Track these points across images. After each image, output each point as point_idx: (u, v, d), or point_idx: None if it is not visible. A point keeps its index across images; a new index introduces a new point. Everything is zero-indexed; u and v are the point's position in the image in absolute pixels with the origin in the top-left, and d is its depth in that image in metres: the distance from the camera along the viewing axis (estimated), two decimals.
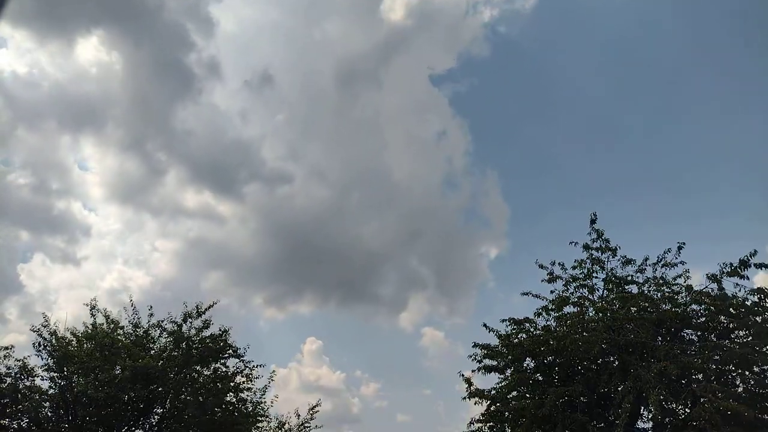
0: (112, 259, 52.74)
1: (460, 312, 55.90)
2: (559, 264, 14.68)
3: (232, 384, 17.62)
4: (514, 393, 14.09)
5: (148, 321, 17.45)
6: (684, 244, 13.90)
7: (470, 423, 14.32)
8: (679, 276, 13.85)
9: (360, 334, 58.58)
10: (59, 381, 16.27)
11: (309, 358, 49.10)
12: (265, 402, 18.60)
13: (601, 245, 14.47)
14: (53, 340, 16.31)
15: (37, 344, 16.32)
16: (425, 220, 56.66)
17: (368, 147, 57.43)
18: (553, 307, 14.30)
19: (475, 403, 14.15)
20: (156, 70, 49.81)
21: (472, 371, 14.38)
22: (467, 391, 14.19)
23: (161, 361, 16.07)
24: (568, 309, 14.32)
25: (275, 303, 54.40)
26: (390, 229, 55.45)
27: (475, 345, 14.47)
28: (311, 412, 19.23)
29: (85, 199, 55.66)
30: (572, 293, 14.42)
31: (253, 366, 17.97)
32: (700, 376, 12.36)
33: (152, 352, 16.72)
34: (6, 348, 15.92)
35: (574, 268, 14.60)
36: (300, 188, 54.73)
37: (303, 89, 59.20)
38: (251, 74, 63.37)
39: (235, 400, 17.86)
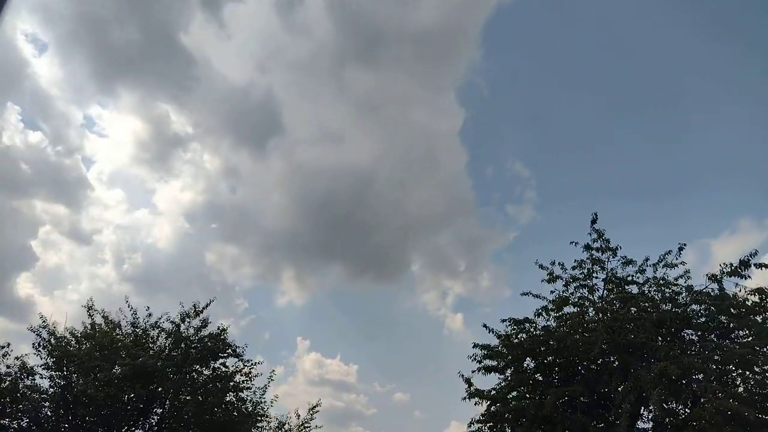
0: None
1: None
2: (559, 264, 14.70)
3: (231, 384, 17.61)
4: (514, 393, 14.09)
5: (146, 321, 17.47)
6: (685, 245, 13.92)
7: (470, 423, 14.33)
8: (680, 276, 13.84)
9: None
10: (59, 381, 16.26)
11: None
12: (265, 402, 18.63)
13: (601, 245, 14.47)
14: (52, 340, 16.31)
15: (36, 344, 16.34)
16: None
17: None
18: (554, 307, 14.29)
19: (475, 404, 14.16)
20: None
21: (472, 371, 14.40)
22: (467, 391, 14.20)
23: (160, 361, 16.06)
24: (569, 309, 14.33)
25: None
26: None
27: (475, 345, 14.49)
28: (311, 412, 19.24)
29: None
30: (572, 293, 14.43)
31: (253, 364, 18.04)
32: (700, 377, 12.33)
33: (151, 351, 16.71)
34: (3, 347, 15.91)
35: (574, 268, 14.62)
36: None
37: None
38: None
39: (235, 399, 17.85)
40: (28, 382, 16.09)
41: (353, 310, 58.35)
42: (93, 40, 46.02)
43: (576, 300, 14.32)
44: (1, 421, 15.68)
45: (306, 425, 19.09)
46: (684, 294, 13.52)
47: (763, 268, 12.42)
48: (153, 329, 17.34)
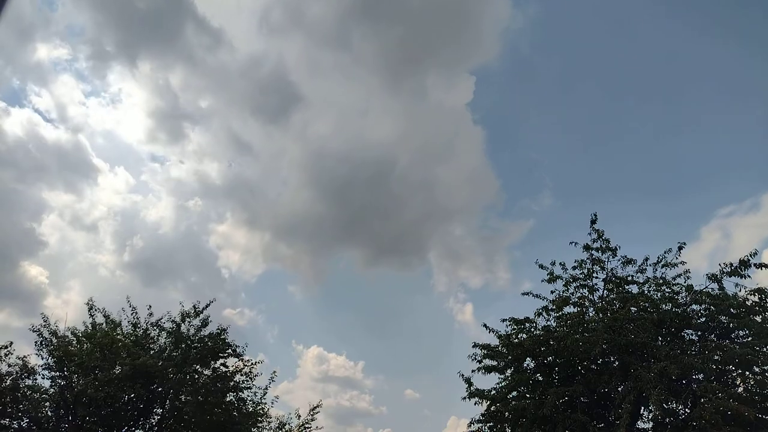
0: None
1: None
2: (560, 264, 14.70)
3: (231, 384, 17.61)
4: (515, 393, 14.08)
5: (147, 320, 17.48)
6: (684, 244, 13.92)
7: (470, 423, 14.33)
8: (679, 276, 13.84)
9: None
10: (59, 381, 16.27)
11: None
12: (265, 402, 18.62)
13: (601, 245, 14.46)
14: (53, 340, 16.31)
15: (38, 343, 16.34)
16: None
17: None
18: (554, 307, 14.29)
19: (475, 404, 14.16)
20: None
21: (473, 371, 14.39)
22: (467, 391, 14.19)
23: (161, 362, 16.06)
24: (569, 309, 14.33)
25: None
26: None
27: (475, 345, 14.49)
28: (312, 412, 19.22)
29: None
30: (572, 293, 14.42)
31: (253, 364, 18.03)
32: (700, 376, 12.35)
33: (152, 351, 16.72)
34: (5, 346, 15.91)
35: (574, 268, 14.61)
36: None
37: None
38: None
39: (235, 400, 17.85)
40: (29, 382, 16.11)
41: (365, 300, 58.01)
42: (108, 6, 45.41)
43: (576, 300, 14.31)
44: (1, 421, 15.68)
45: (306, 425, 19.07)
46: (684, 294, 13.51)
47: (763, 268, 12.43)
48: (153, 329, 17.36)
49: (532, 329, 14.30)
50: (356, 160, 52.59)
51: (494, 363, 14.30)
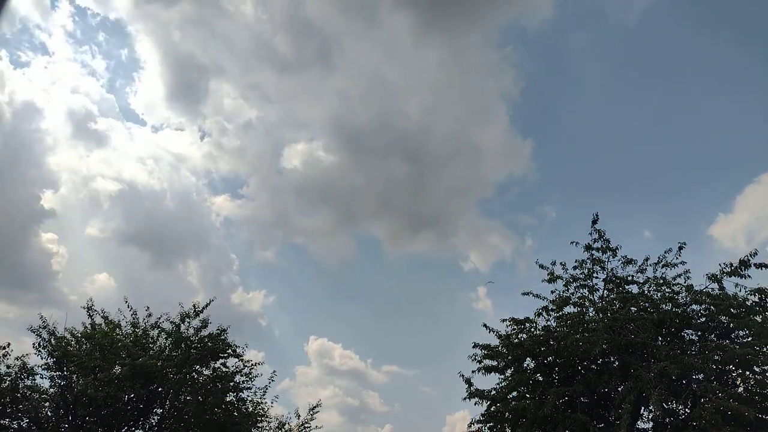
0: None
1: None
2: (560, 264, 14.71)
3: (231, 384, 17.62)
4: (515, 393, 14.08)
5: (146, 321, 17.47)
6: (685, 243, 13.90)
7: (470, 423, 14.33)
8: (680, 276, 13.84)
9: None
10: (59, 381, 16.26)
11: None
12: (265, 402, 18.63)
13: (601, 245, 14.46)
14: (52, 341, 16.29)
15: (37, 344, 16.33)
16: None
17: None
18: (554, 307, 14.29)
19: (475, 404, 14.16)
20: None
21: (473, 371, 14.39)
22: (467, 391, 14.19)
23: (160, 362, 16.05)
24: (569, 309, 14.32)
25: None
26: None
27: (475, 345, 14.47)
28: (311, 412, 19.24)
29: None
30: (573, 293, 14.42)
31: (253, 365, 18.04)
32: (700, 377, 12.35)
33: (151, 352, 16.71)
34: (3, 347, 15.90)
35: (574, 268, 14.61)
36: None
37: None
38: None
39: (235, 400, 17.86)
40: (29, 382, 16.10)
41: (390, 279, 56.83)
42: None
43: (576, 300, 14.32)
44: (1, 421, 15.67)
45: (306, 425, 19.09)
46: (684, 294, 13.51)
47: (763, 268, 12.44)
48: (153, 329, 17.35)
49: (532, 329, 14.30)
50: (386, 126, 51.07)
51: (494, 363, 14.30)
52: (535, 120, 62.96)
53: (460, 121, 57.13)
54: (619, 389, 12.53)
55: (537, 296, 14.43)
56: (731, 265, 12.76)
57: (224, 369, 17.58)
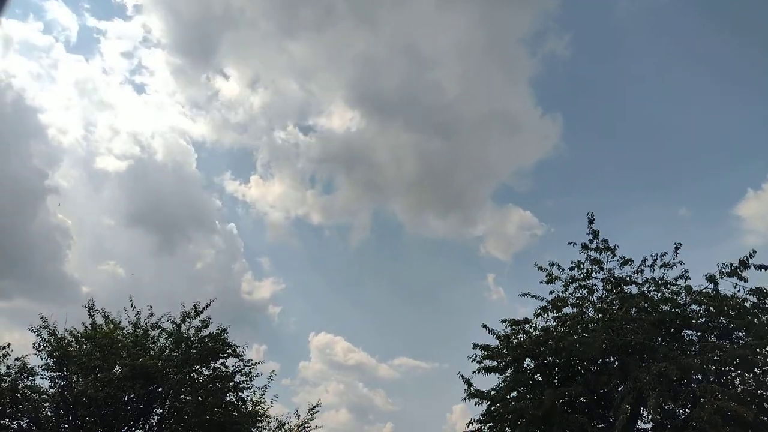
0: None
1: None
2: (557, 265, 14.68)
3: (231, 384, 17.63)
4: (514, 393, 14.09)
5: (147, 321, 17.47)
6: (681, 244, 13.86)
7: (470, 423, 14.33)
8: (679, 276, 13.83)
9: None
10: (59, 381, 16.27)
11: None
12: (265, 402, 18.62)
13: (599, 245, 14.44)
14: (52, 341, 16.29)
15: (37, 344, 16.33)
16: None
17: None
18: (553, 307, 14.28)
19: (475, 404, 14.17)
20: None
21: (473, 372, 14.40)
22: (467, 391, 14.20)
23: (160, 362, 16.06)
24: (568, 310, 14.31)
25: None
26: None
27: (475, 346, 14.47)
28: (311, 412, 19.22)
29: None
30: (572, 294, 14.41)
31: (253, 365, 18.04)
32: (699, 377, 12.36)
33: (151, 352, 16.71)
34: (3, 347, 15.91)
35: (572, 269, 14.58)
36: None
37: None
38: None
39: (235, 400, 17.86)
40: (28, 383, 16.10)
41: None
42: None
43: (575, 300, 14.31)
44: (1, 421, 15.69)
45: (306, 425, 19.07)
46: (683, 294, 13.50)
47: (763, 269, 12.44)
48: (153, 330, 17.34)
49: (532, 330, 14.30)
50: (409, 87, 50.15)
51: (494, 363, 14.29)
52: (566, 95, 60.92)
53: (490, 94, 55.60)
54: (619, 390, 12.52)
55: (536, 297, 14.42)
56: (731, 265, 12.76)
57: (224, 369, 17.59)
